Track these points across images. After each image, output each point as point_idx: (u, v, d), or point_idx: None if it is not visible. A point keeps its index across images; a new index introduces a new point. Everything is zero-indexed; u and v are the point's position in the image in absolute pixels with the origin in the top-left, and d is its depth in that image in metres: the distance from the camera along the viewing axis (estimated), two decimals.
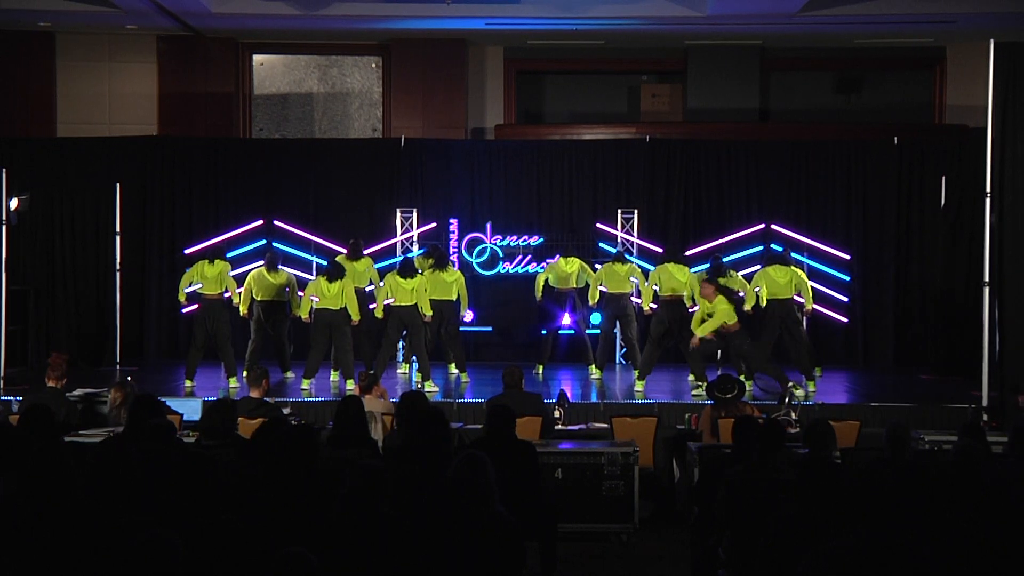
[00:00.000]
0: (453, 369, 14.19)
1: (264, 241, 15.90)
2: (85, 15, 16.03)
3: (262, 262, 14.12)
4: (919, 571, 4.55)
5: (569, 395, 11.06)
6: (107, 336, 16.02)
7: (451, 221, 16.27)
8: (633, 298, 14.32)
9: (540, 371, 14.37)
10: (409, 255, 15.06)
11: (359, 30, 17.08)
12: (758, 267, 14.01)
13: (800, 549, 4.72)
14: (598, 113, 18.43)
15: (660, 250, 14.96)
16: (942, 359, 15.19)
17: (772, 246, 15.37)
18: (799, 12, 15.39)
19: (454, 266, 14.84)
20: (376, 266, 14.59)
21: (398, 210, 16.05)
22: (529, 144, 17.05)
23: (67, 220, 16.48)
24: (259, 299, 13.86)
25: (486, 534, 5.18)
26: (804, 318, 13.79)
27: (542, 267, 15.11)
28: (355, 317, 13.12)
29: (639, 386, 13.02)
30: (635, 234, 15.96)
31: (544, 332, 14.77)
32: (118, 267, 15.90)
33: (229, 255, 14.79)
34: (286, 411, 10.30)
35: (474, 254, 16.15)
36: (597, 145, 16.98)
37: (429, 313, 13.40)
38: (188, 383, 13.14)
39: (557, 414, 10.22)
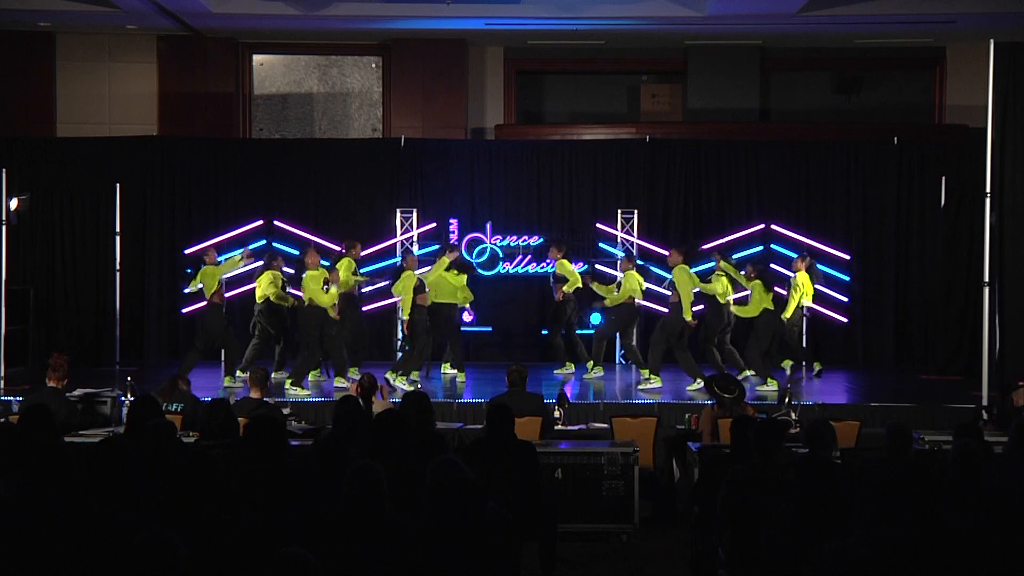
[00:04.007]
0: (449, 369, 14.19)
1: (264, 241, 15.89)
2: (85, 15, 16.03)
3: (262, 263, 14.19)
4: (919, 571, 4.55)
5: (569, 395, 11.06)
6: (107, 336, 16.01)
7: (451, 221, 16.26)
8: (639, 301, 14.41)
9: (571, 369, 14.47)
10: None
11: (359, 30, 17.08)
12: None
13: (800, 549, 4.72)
14: (598, 113, 18.43)
15: (667, 252, 14.70)
16: (942, 359, 15.19)
17: (772, 246, 15.42)
18: (799, 12, 15.39)
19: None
20: (376, 266, 14.63)
21: (398, 210, 16.05)
22: (529, 144, 17.05)
23: (67, 220, 16.49)
24: (260, 300, 13.95)
25: (479, 532, 5.18)
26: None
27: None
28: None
29: (657, 382, 13.05)
30: (635, 234, 15.96)
31: (546, 332, 14.82)
32: (118, 267, 15.89)
33: (229, 255, 14.82)
34: (286, 411, 10.31)
35: (474, 254, 16.14)
36: (597, 145, 16.99)
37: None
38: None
39: (557, 414, 10.22)
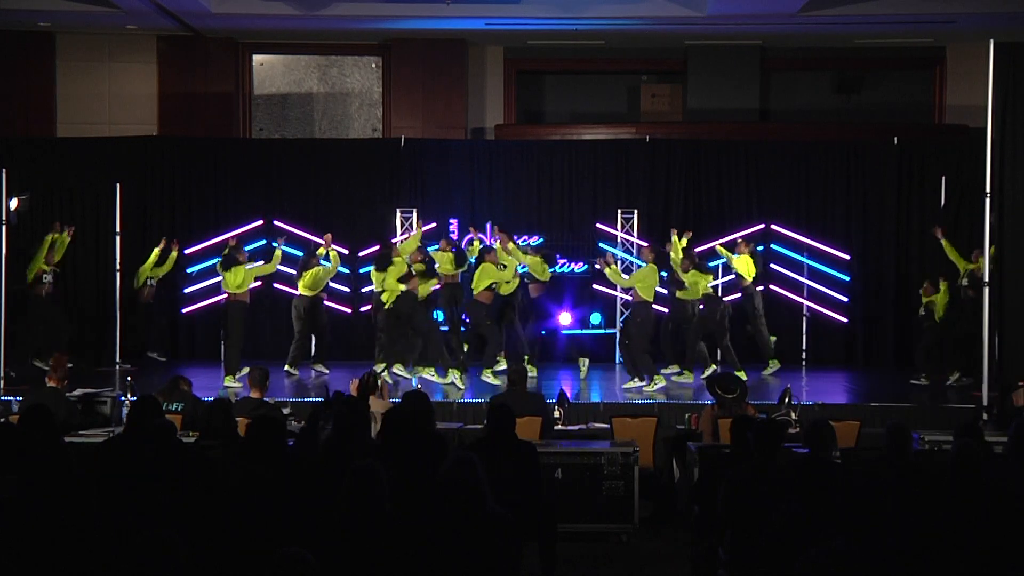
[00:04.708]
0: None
1: (264, 241, 15.90)
2: (85, 15, 16.03)
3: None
4: (919, 572, 4.55)
5: (569, 395, 11.06)
6: (107, 336, 15.98)
7: (451, 221, 16.26)
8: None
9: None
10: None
11: (359, 30, 17.08)
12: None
13: (800, 549, 4.72)
14: (598, 113, 18.42)
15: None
16: (941, 359, 15.17)
17: (772, 246, 15.44)
18: (799, 12, 15.39)
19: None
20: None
21: (398, 210, 16.05)
22: (529, 144, 17.05)
23: (67, 220, 16.45)
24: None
25: (480, 532, 5.18)
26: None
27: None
28: None
29: (661, 381, 13.12)
30: (635, 234, 15.96)
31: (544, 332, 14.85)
32: (118, 267, 15.87)
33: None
34: (286, 411, 10.30)
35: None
36: (597, 145, 16.98)
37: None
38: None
39: (557, 414, 10.22)
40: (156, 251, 15.33)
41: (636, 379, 13.10)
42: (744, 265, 14.29)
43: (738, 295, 14.61)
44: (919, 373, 14.02)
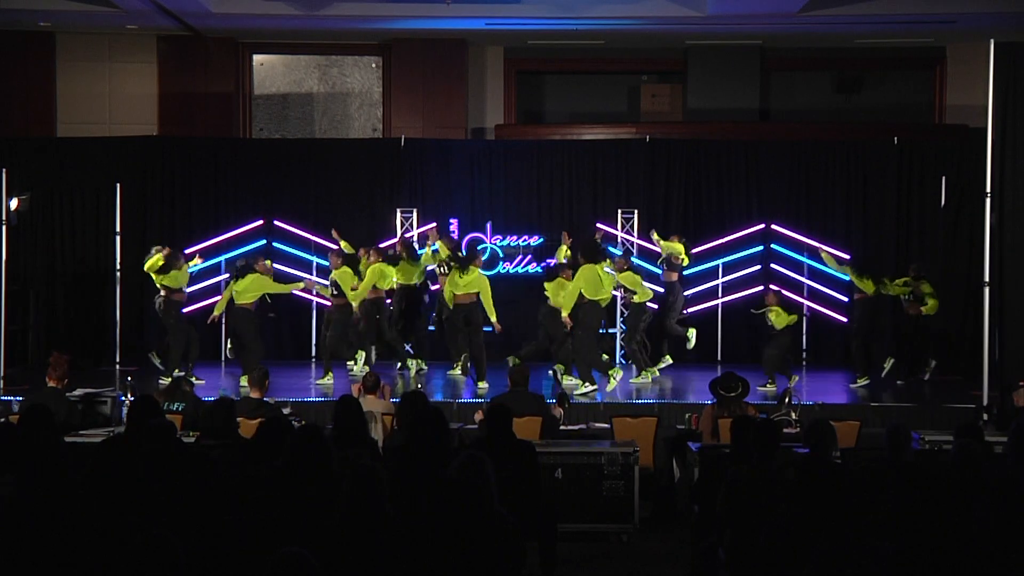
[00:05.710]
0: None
1: (264, 241, 15.90)
2: (85, 15, 16.03)
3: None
4: (921, 572, 4.55)
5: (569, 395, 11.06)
6: (107, 336, 15.99)
7: (451, 221, 16.27)
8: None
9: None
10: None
11: (359, 30, 17.08)
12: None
13: (800, 549, 4.72)
14: (598, 113, 18.42)
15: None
16: (942, 359, 15.19)
17: (772, 246, 15.42)
18: (799, 12, 15.38)
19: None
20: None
21: (398, 210, 16.05)
22: (529, 144, 17.05)
23: (67, 220, 16.49)
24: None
25: (486, 534, 5.18)
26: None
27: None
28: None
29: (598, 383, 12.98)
30: (635, 234, 15.97)
31: None
32: (118, 267, 15.87)
33: (229, 255, 14.81)
34: (286, 411, 10.30)
35: None
36: (597, 145, 16.99)
37: None
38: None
39: (558, 413, 10.22)
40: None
41: (584, 384, 12.88)
42: (629, 279, 13.96)
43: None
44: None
